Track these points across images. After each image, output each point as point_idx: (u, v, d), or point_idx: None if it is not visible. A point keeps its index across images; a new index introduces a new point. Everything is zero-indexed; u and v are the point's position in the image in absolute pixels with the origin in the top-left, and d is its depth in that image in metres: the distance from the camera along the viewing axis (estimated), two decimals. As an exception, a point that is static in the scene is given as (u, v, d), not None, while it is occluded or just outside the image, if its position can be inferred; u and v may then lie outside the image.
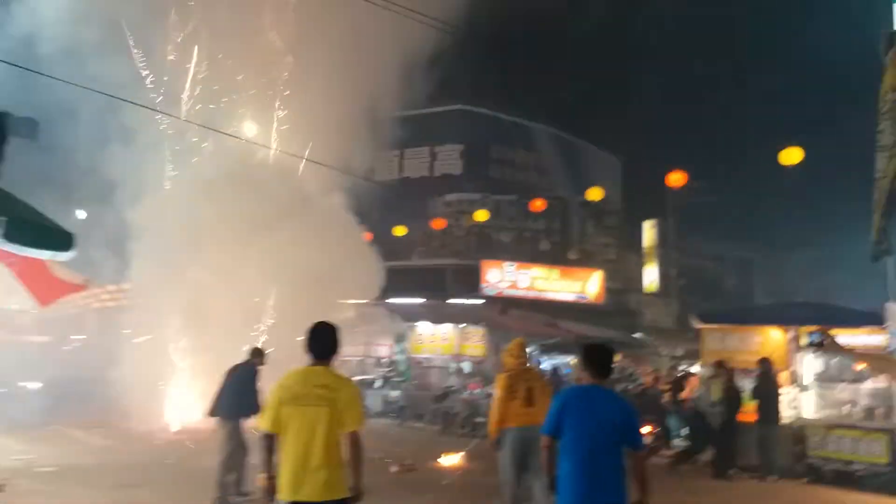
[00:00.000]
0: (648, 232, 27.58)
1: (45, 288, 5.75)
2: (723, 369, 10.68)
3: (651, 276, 27.08)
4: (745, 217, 30.68)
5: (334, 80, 16.29)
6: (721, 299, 30.24)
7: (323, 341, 4.02)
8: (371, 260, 16.71)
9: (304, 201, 15.83)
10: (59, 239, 4.41)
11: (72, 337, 17.05)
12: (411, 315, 19.45)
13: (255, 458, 7.41)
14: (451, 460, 10.79)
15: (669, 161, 20.57)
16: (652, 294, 27.13)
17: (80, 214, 20.30)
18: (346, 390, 3.91)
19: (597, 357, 4.24)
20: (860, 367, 9.77)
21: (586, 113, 27.04)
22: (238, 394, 7.63)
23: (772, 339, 11.03)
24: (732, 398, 10.53)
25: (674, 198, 26.99)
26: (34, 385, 13.87)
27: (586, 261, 25.47)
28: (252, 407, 7.44)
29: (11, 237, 4.02)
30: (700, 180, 28.03)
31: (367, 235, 18.16)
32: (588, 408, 4.06)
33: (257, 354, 8.00)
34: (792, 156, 12.83)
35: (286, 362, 7.96)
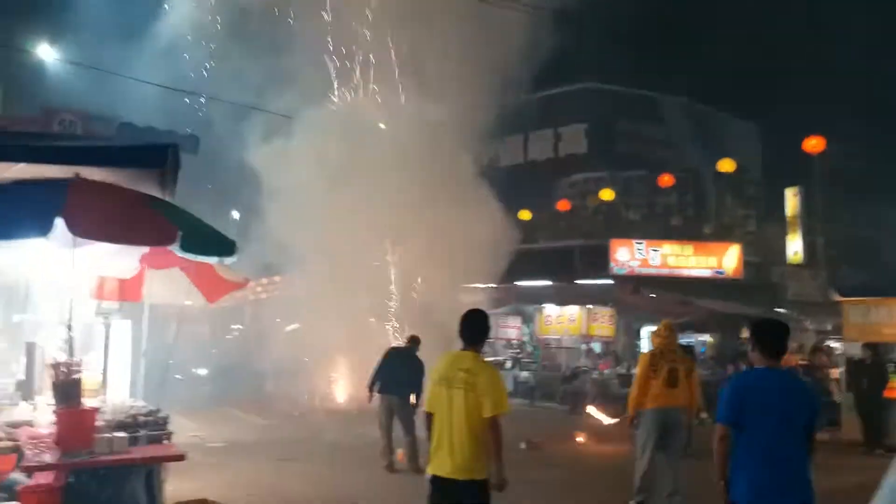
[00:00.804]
0: (791, 200, 25.83)
1: (213, 287, 6.62)
2: None
3: (795, 247, 25.45)
4: (899, 177, 27.95)
5: (460, 65, 16.78)
6: (876, 269, 27.88)
7: (472, 327, 4.23)
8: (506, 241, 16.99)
9: (442, 187, 16.26)
10: (224, 246, 5.17)
11: (231, 327, 18.84)
12: (539, 297, 19.71)
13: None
14: (579, 439, 11.08)
15: (811, 123, 19.33)
16: (797, 266, 25.51)
17: (235, 215, 22.33)
18: (484, 375, 4.02)
19: (770, 335, 3.87)
20: None
21: (718, 79, 25.68)
22: (408, 374, 8.62)
23: (922, 311, 10.34)
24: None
25: (818, 162, 25.23)
26: (202, 371, 15.60)
27: (724, 234, 24.39)
28: (418, 386, 8.49)
29: (186, 247, 4.80)
30: (846, 141, 26.03)
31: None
32: (772, 393, 3.70)
33: (417, 341, 9.08)
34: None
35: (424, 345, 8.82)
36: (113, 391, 6.52)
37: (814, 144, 14.71)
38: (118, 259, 6.33)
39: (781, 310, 23.12)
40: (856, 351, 11.08)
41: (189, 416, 11.78)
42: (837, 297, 11.77)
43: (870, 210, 31.04)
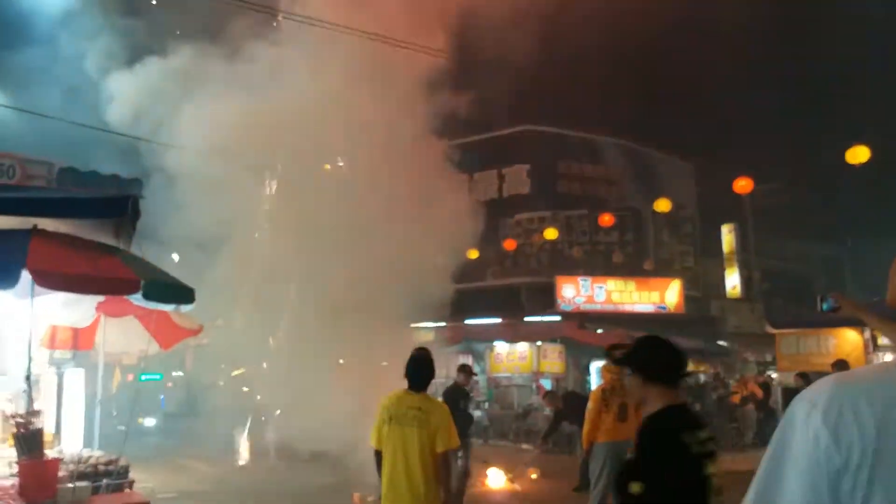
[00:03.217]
0: (727, 237, 27.16)
1: (168, 334, 6.68)
2: None
3: (733, 282, 26.63)
4: (828, 214, 29.72)
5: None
6: (809, 301, 29.29)
7: (419, 369, 4.42)
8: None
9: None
10: (183, 294, 5.29)
11: (173, 374, 18.43)
12: (489, 335, 19.98)
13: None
14: (532, 475, 11.28)
15: (743, 163, 20.41)
16: (736, 300, 26.64)
17: (175, 257, 21.87)
18: (437, 413, 4.27)
19: None
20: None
21: (654, 122, 26.95)
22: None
23: (848, 340, 11.03)
24: None
25: (750, 200, 26.59)
26: (150, 421, 15.19)
27: (664, 270, 25.32)
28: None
29: (149, 296, 4.91)
30: (776, 180, 27.55)
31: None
32: None
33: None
34: (858, 154, 12.76)
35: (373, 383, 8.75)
36: (67, 441, 6.43)
37: (743, 185, 15.62)
38: (73, 308, 6.34)
39: (722, 342, 24.04)
40: (790, 380, 11.69)
41: (136, 466, 11.49)
42: (771, 330, 12.42)
43: (800, 245, 32.75)
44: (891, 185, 24.23)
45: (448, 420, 4.35)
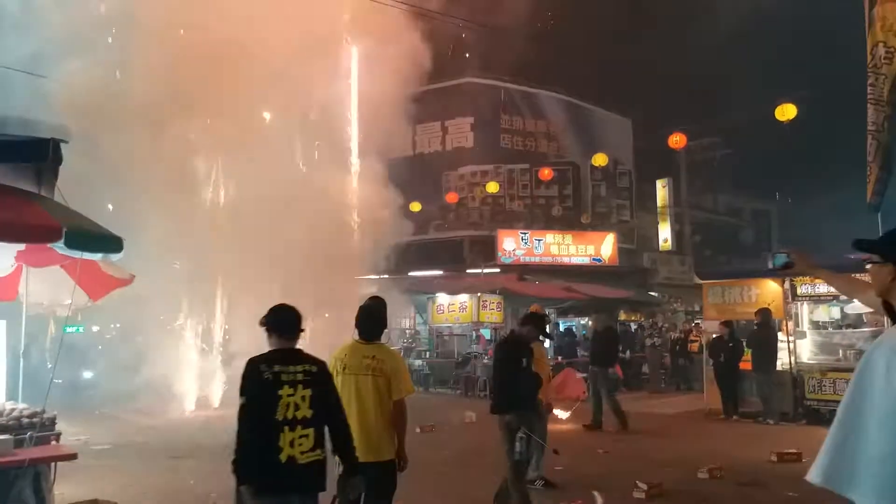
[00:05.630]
0: (661, 191, 27.91)
1: (98, 285, 6.47)
2: None
3: (665, 235, 27.47)
4: (758, 170, 30.79)
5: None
6: (737, 253, 30.57)
7: (371, 320, 4.37)
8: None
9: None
10: (110, 242, 5.12)
11: (111, 325, 17.95)
12: (431, 287, 20.17)
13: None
14: (469, 419, 11.58)
15: (678, 119, 20.87)
16: (668, 252, 27.53)
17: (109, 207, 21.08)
18: (391, 360, 4.27)
19: None
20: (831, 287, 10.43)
21: (594, 77, 27.10)
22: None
23: (769, 290, 11.57)
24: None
25: (684, 156, 27.30)
26: (87, 374, 14.84)
27: (601, 223, 25.88)
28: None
29: (71, 244, 4.74)
30: (711, 137, 28.29)
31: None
32: None
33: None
34: (787, 111, 13.18)
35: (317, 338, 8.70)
36: (-11, 395, 6.23)
37: (676, 140, 15.96)
38: (-9, 257, 6.07)
39: (653, 293, 24.90)
40: (715, 328, 12.22)
41: (69, 419, 11.25)
42: (698, 280, 12.91)
43: (731, 198, 33.92)
44: (817, 142, 25.22)
45: (402, 367, 4.37)
